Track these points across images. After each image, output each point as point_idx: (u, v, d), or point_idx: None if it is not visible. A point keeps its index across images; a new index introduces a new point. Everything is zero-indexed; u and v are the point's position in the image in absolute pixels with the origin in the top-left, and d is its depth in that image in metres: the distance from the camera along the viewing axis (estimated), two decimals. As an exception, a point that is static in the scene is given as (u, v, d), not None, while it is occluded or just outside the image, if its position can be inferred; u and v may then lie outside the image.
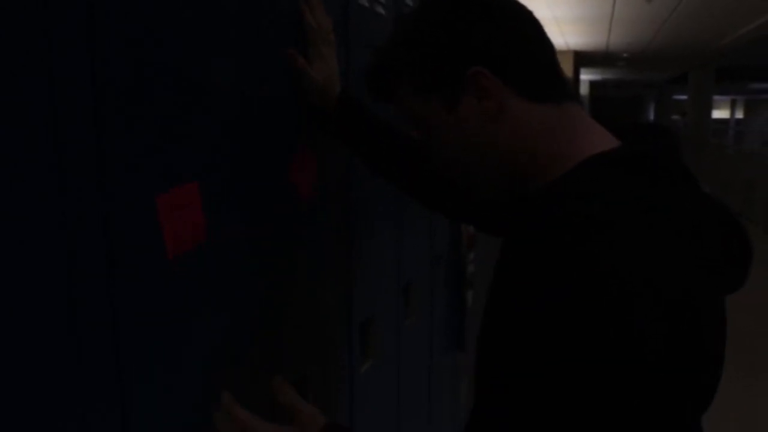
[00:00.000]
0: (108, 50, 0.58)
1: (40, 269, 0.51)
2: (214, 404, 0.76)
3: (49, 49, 0.51)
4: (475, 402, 0.70)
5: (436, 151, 0.77)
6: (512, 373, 0.61)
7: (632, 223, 0.59)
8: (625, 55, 11.12)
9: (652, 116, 21.50)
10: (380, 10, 1.29)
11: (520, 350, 0.59)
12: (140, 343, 0.63)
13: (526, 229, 0.65)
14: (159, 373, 0.66)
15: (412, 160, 1.05)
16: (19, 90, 0.49)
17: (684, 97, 15.56)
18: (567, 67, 9.92)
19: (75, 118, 0.54)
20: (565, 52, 9.95)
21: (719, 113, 21.27)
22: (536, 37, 0.72)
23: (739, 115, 23.64)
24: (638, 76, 17.03)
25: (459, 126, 0.72)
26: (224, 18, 0.77)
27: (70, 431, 0.55)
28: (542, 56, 0.72)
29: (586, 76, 15.66)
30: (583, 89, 15.94)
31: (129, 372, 0.61)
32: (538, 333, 0.57)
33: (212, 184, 0.74)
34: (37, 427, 0.51)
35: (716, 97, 15.66)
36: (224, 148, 0.78)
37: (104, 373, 0.58)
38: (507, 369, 0.62)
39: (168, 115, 0.67)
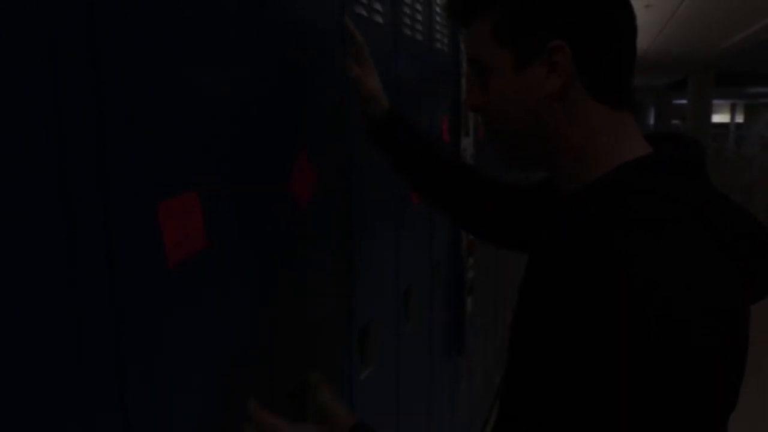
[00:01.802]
0: (111, 57, 0.59)
1: (42, 276, 0.52)
2: (241, 413, 0.77)
3: (53, 57, 0.52)
4: (508, 401, 0.72)
5: (482, 99, 0.75)
6: (556, 378, 0.62)
7: (677, 225, 0.61)
8: (624, 60, 11.11)
9: (652, 121, 21.50)
10: (378, 18, 1.30)
11: (566, 354, 0.61)
12: (142, 350, 0.64)
13: (569, 230, 0.66)
14: (161, 380, 0.67)
15: (452, 180, 1.10)
16: (23, 96, 0.50)
17: (684, 101, 15.57)
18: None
19: (78, 127, 0.55)
20: (564, 58, 9.93)
21: (719, 117, 21.26)
22: (629, 41, 0.71)
23: (740, 119, 23.63)
24: (638, 81, 17.04)
25: (517, 87, 0.71)
26: (225, 31, 0.78)
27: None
28: (624, 61, 0.71)
29: (585, 81, 15.64)
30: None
31: (131, 379, 0.62)
32: (584, 334, 0.59)
33: (213, 192, 0.75)
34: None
35: (716, 101, 15.66)
36: (225, 156, 0.79)
37: (106, 380, 0.59)
38: (551, 374, 0.63)
39: (169, 123, 0.68)
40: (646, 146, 0.71)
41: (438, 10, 1.76)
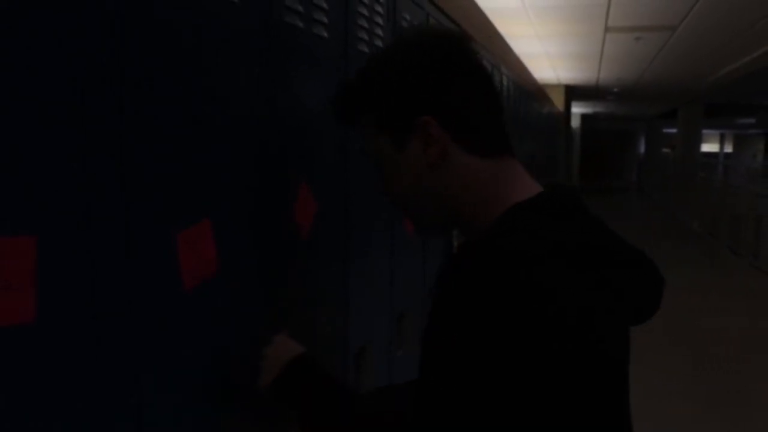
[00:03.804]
0: (136, 107, 0.65)
1: (65, 301, 0.57)
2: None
3: (82, 100, 0.58)
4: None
5: (384, 183, 0.83)
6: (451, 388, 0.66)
7: (549, 255, 0.67)
8: (615, 89, 11.32)
9: (642, 149, 21.76)
10: (378, 55, 1.37)
11: (457, 362, 0.66)
12: (157, 361, 0.69)
13: (462, 266, 0.70)
14: (172, 385, 0.72)
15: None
16: (55, 141, 0.56)
17: (674, 130, 15.79)
18: (558, 100, 10.06)
19: (103, 162, 0.61)
20: (556, 86, 10.10)
21: (709, 146, 21.55)
22: (488, 97, 0.79)
23: (728, 148, 23.95)
24: (629, 110, 17.27)
25: (404, 165, 0.78)
26: (236, 75, 0.84)
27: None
28: (490, 115, 0.79)
29: (577, 110, 15.89)
30: (575, 122, 16.15)
31: (146, 390, 0.67)
32: (469, 349, 0.64)
33: (223, 222, 0.81)
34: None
35: (705, 131, 15.91)
36: (235, 189, 0.84)
37: (123, 388, 0.64)
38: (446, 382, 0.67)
39: (187, 163, 0.74)
40: (533, 184, 0.78)
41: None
